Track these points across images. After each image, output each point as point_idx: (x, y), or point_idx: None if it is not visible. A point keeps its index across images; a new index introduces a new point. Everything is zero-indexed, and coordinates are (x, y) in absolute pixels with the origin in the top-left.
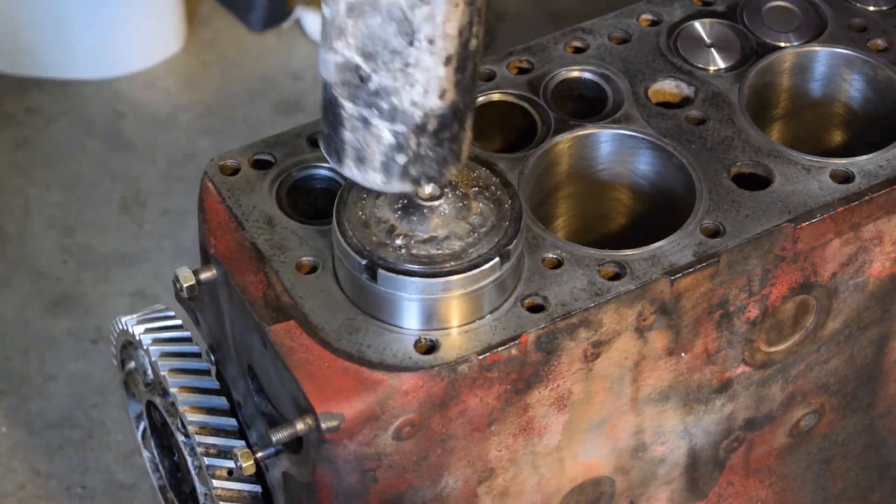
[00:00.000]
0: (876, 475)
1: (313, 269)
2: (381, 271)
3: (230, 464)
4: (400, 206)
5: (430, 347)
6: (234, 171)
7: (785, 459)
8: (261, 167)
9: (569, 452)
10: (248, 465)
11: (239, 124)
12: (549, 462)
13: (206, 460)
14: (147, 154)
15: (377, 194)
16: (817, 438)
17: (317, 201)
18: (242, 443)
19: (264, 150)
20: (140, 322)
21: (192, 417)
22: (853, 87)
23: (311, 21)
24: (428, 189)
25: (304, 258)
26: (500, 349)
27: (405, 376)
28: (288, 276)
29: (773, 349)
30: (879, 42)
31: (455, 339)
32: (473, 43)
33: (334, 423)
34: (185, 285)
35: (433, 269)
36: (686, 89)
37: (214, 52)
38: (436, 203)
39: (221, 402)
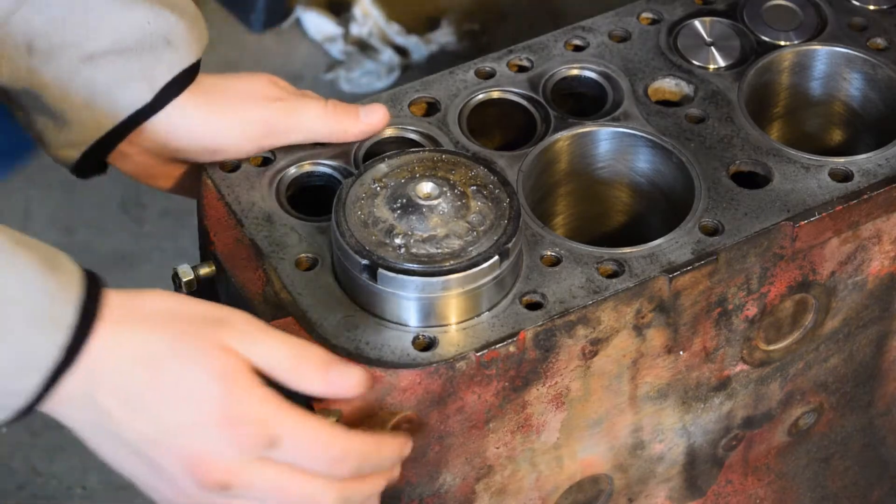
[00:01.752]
0: (875, 474)
1: (312, 266)
2: (381, 271)
3: None
4: (399, 205)
5: (429, 344)
6: (234, 168)
7: (784, 458)
8: (260, 164)
9: (567, 450)
10: None
11: None
12: (548, 459)
13: None
14: None
15: (375, 193)
16: (816, 437)
17: (317, 198)
18: None
19: None
20: None
21: None
22: (853, 86)
23: (311, 21)
24: (426, 188)
25: (303, 255)
26: (498, 346)
27: (403, 373)
28: (286, 272)
29: (771, 347)
30: (879, 41)
31: (453, 335)
32: None
33: (332, 420)
34: (183, 280)
35: (433, 268)
36: (686, 88)
37: (214, 52)
38: (434, 202)
39: None
